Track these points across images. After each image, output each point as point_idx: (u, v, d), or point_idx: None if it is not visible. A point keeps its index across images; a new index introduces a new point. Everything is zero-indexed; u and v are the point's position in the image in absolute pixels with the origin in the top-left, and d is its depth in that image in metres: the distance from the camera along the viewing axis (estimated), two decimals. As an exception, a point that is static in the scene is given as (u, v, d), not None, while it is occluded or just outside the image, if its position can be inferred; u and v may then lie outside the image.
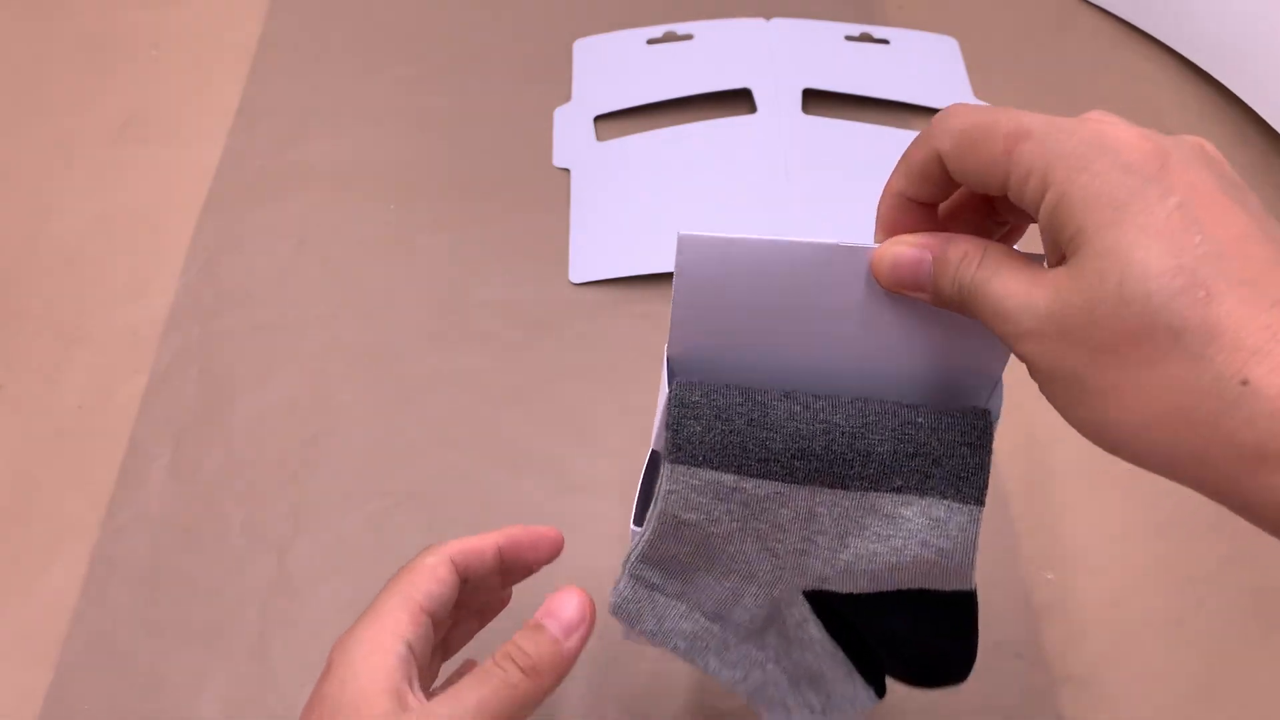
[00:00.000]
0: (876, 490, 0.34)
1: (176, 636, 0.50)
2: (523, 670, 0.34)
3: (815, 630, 0.38)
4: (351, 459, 0.56)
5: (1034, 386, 0.29)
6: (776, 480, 0.34)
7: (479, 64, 0.75)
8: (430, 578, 0.37)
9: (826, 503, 0.34)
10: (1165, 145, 0.27)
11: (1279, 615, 0.51)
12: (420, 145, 0.70)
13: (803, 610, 0.38)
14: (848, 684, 0.39)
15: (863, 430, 0.33)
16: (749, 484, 0.34)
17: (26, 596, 0.51)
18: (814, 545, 0.35)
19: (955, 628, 0.37)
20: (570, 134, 0.70)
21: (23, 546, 0.53)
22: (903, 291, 0.32)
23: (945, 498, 0.34)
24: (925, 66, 0.74)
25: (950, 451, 0.34)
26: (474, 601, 0.41)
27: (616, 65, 0.74)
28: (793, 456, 0.33)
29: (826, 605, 0.37)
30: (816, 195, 0.66)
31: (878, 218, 0.33)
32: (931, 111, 0.71)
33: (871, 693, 0.39)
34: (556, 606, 0.36)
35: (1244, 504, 0.25)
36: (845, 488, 0.34)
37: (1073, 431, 0.29)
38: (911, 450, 0.34)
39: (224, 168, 0.68)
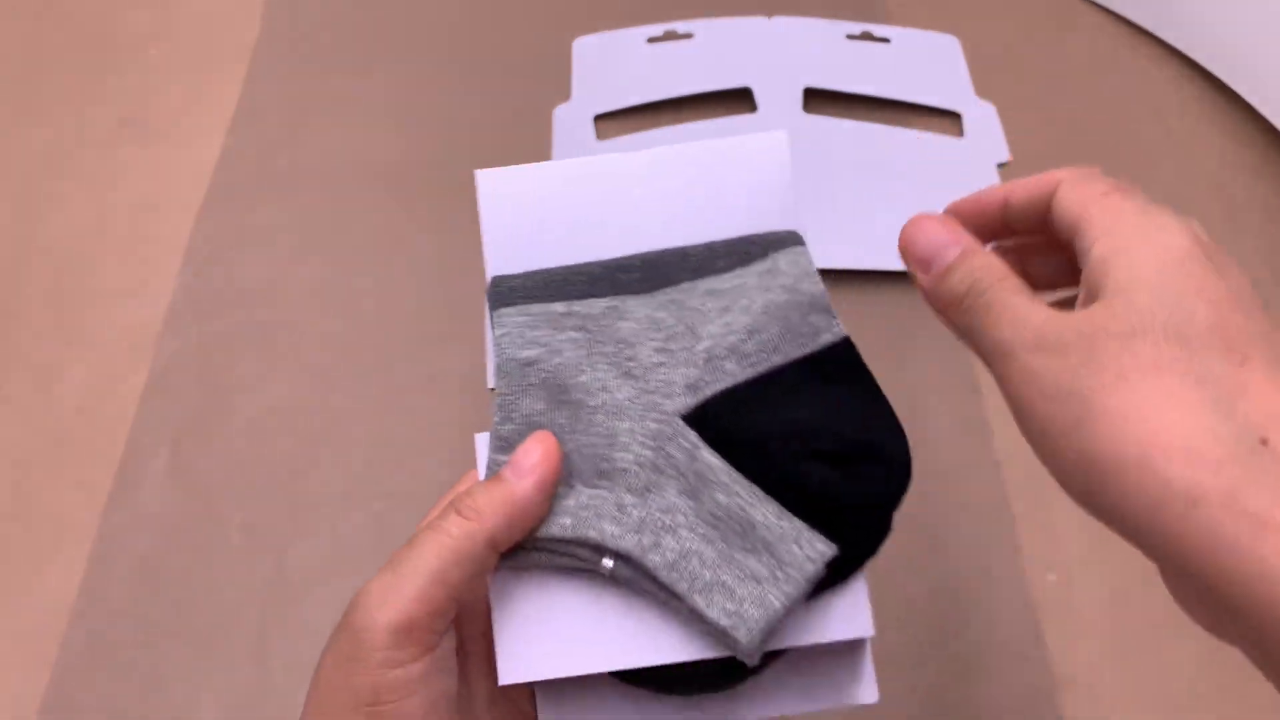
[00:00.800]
0: (704, 276, 0.35)
1: (175, 637, 0.50)
2: (460, 513, 0.31)
3: (711, 457, 0.32)
4: (351, 459, 0.56)
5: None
6: (606, 296, 0.34)
7: (478, 63, 0.75)
8: None
9: (661, 304, 0.34)
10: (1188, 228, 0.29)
11: None
12: (419, 145, 0.70)
13: (690, 438, 0.33)
14: (787, 529, 0.31)
15: (674, 252, 0.36)
16: (580, 305, 0.34)
17: (25, 596, 0.51)
18: (670, 355, 0.34)
19: (859, 394, 0.33)
20: (570, 134, 0.70)
21: (21, 546, 0.53)
22: (908, 263, 0.32)
23: (767, 256, 0.35)
24: (926, 65, 0.74)
25: (764, 241, 0.36)
26: None
27: (616, 64, 0.74)
28: (615, 271, 0.35)
29: (713, 426, 0.33)
30: (817, 194, 0.65)
31: (952, 203, 0.35)
32: (933, 110, 0.71)
33: (823, 540, 0.31)
34: (518, 455, 0.32)
35: (1222, 565, 0.24)
36: (674, 283, 0.35)
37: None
38: (724, 249, 0.35)
39: (222, 167, 0.68)
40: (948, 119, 0.71)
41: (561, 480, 0.33)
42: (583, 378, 0.33)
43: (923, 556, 0.52)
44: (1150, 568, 0.29)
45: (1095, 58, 0.75)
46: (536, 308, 0.34)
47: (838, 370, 0.34)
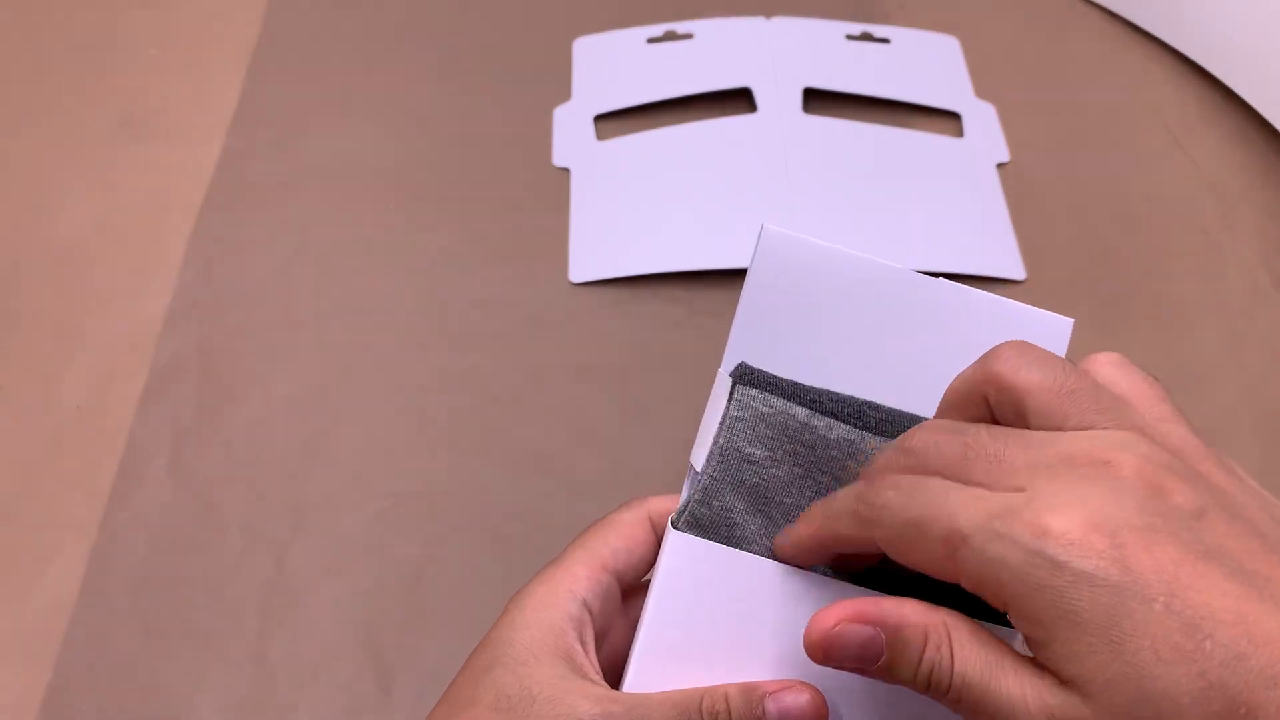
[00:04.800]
0: None
1: (175, 637, 0.50)
2: None
3: None
4: (351, 459, 0.56)
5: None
6: (848, 423, 0.33)
7: (479, 63, 0.75)
8: (622, 534, 0.34)
9: None
10: (1115, 524, 0.24)
11: None
12: (420, 145, 0.70)
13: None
14: None
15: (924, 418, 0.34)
16: (820, 423, 0.33)
17: (25, 597, 0.51)
18: None
19: None
20: (570, 134, 0.70)
21: (21, 547, 0.53)
22: (841, 669, 0.28)
23: None
24: (926, 66, 0.74)
25: None
26: None
27: (616, 65, 0.74)
28: (863, 404, 0.34)
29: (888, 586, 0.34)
30: (817, 195, 0.65)
31: (799, 539, 0.31)
32: (933, 111, 0.71)
33: None
34: (785, 690, 0.30)
35: None
36: None
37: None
38: None
39: (223, 167, 0.68)
40: (947, 119, 0.71)
41: None
42: (788, 499, 0.33)
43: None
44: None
45: (1095, 58, 0.75)
46: (779, 403, 0.33)
47: None
